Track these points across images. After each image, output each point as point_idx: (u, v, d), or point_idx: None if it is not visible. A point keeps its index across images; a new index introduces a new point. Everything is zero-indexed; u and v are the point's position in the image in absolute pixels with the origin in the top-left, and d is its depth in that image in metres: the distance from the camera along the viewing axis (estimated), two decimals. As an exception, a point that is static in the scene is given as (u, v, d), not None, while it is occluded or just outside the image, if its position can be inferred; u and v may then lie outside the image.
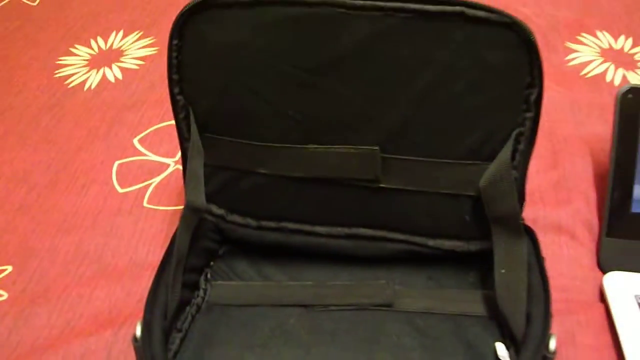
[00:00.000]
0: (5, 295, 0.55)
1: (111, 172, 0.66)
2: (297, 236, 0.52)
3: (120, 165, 0.67)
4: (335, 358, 0.46)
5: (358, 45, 0.45)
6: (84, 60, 0.83)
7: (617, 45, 0.77)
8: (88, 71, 0.81)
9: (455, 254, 0.50)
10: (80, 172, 0.66)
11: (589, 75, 0.73)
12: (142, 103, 0.74)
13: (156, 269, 0.47)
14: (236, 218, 0.53)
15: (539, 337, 0.42)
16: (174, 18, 0.47)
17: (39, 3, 0.96)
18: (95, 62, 0.82)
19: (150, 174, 0.65)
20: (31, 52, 0.85)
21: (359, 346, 0.47)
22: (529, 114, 0.45)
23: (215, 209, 0.53)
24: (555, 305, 0.44)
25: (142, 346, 0.42)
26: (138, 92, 0.76)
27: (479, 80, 0.45)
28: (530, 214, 0.56)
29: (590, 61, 0.75)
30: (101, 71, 0.80)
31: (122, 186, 0.64)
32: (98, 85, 0.78)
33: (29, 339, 0.51)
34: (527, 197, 0.49)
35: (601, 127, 0.65)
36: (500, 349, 0.45)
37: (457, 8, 0.43)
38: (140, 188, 0.64)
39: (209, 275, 0.53)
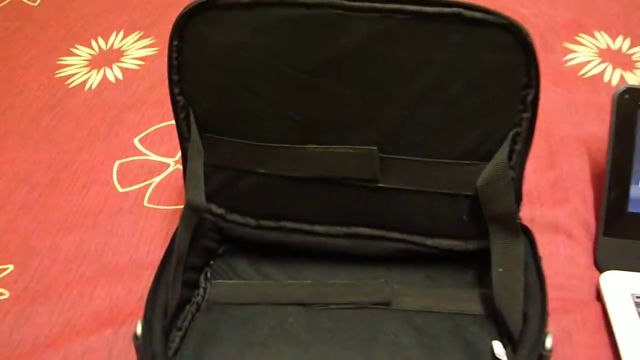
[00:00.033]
0: (7, 294, 0.55)
1: (112, 171, 0.66)
2: (296, 235, 0.53)
3: (120, 165, 0.67)
4: (334, 356, 0.46)
5: (357, 46, 0.45)
6: (85, 60, 0.83)
7: (614, 46, 0.78)
8: (89, 71, 0.81)
9: (453, 253, 0.51)
10: (81, 172, 0.66)
11: (587, 75, 0.73)
12: (142, 103, 0.75)
13: (156, 267, 0.47)
14: (236, 217, 0.54)
15: (535, 335, 0.42)
16: (174, 18, 0.47)
17: (39, 3, 0.96)
18: (96, 62, 0.82)
19: (150, 174, 0.65)
20: (32, 52, 0.86)
21: (357, 344, 0.47)
22: (526, 115, 0.46)
23: (215, 208, 0.53)
24: (552, 304, 0.44)
25: (142, 344, 0.42)
26: (138, 92, 0.77)
27: (476, 81, 0.45)
28: (527, 214, 0.56)
29: (588, 61, 0.75)
30: (102, 71, 0.80)
31: (122, 186, 0.64)
32: (98, 85, 0.78)
33: (30, 337, 0.51)
34: (525, 197, 0.49)
35: (598, 127, 0.65)
36: (497, 347, 0.45)
37: (455, 9, 0.43)
38: (140, 188, 0.64)
39: (208, 274, 0.53)
